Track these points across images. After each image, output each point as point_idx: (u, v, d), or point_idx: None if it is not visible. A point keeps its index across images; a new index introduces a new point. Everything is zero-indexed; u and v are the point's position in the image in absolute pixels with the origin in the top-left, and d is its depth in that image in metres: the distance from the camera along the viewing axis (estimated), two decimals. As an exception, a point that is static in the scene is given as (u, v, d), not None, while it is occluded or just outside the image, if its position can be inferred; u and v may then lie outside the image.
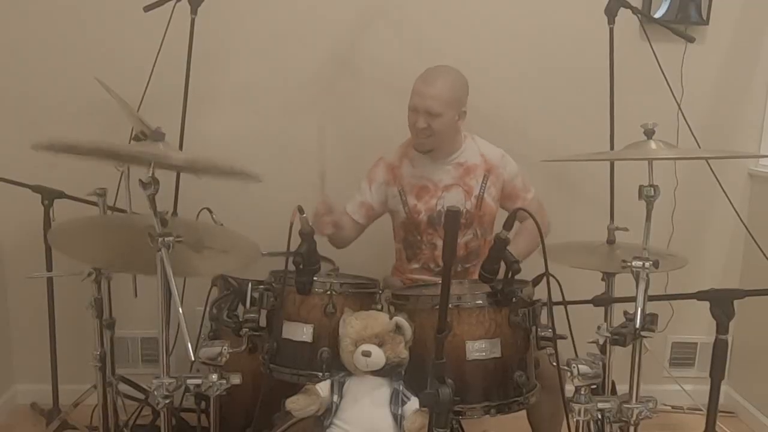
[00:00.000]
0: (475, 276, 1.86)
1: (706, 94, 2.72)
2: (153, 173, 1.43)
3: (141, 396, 2.42)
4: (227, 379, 1.59)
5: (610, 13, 2.25)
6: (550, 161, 2.52)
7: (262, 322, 1.78)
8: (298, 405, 1.61)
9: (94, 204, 2.19)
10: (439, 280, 1.40)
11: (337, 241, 2.19)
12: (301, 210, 1.71)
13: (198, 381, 1.57)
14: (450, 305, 1.44)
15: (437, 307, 1.37)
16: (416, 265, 2.29)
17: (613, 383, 2.18)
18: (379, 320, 1.65)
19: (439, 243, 2.18)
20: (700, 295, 1.64)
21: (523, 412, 1.99)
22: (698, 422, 2.63)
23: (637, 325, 1.52)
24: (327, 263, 2.19)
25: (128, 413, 2.37)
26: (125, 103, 2.11)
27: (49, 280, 2.40)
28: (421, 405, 1.53)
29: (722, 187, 2.38)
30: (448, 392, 1.33)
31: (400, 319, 1.63)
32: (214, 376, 1.58)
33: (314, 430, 1.65)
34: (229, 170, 1.55)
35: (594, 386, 1.57)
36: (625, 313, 1.58)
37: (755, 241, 2.33)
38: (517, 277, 1.63)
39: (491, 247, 1.66)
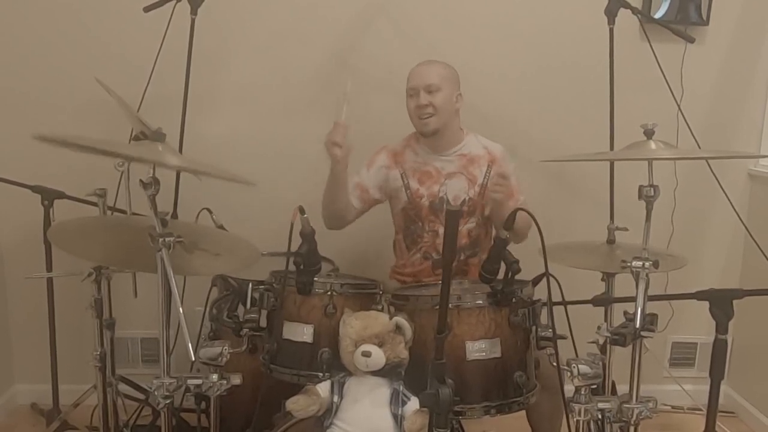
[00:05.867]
0: (476, 269, 1.87)
1: (706, 95, 2.72)
2: (154, 173, 1.43)
3: (141, 396, 2.41)
4: (227, 379, 1.59)
5: (610, 14, 2.25)
6: (550, 161, 2.52)
7: (263, 323, 1.79)
8: (298, 405, 1.61)
9: (94, 204, 2.19)
10: (438, 278, 1.40)
11: (335, 203, 2.16)
12: (301, 210, 1.71)
13: (198, 381, 1.57)
14: (450, 305, 1.44)
15: (437, 307, 1.37)
16: (417, 255, 2.28)
17: (613, 383, 2.18)
18: (379, 320, 1.65)
19: (441, 230, 2.18)
20: (699, 295, 1.64)
21: (523, 412, 1.99)
22: (698, 422, 2.64)
23: (637, 325, 1.52)
24: (327, 263, 2.19)
25: (128, 413, 2.36)
26: (125, 103, 2.11)
27: (49, 281, 2.40)
28: (421, 405, 1.53)
29: (722, 188, 2.38)
30: (448, 392, 1.33)
31: (400, 320, 1.64)
32: (215, 377, 1.58)
33: (314, 430, 1.64)
34: (227, 175, 1.54)
35: (594, 386, 1.57)
36: (625, 313, 1.58)
37: (755, 241, 2.33)
38: (516, 277, 1.63)
39: (491, 248, 1.67)
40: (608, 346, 1.79)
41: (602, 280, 2.13)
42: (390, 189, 2.27)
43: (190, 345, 1.38)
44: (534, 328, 1.69)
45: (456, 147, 2.24)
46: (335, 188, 2.13)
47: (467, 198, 2.22)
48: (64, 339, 2.48)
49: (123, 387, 2.35)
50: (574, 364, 1.55)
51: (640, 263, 1.57)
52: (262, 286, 1.79)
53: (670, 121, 2.46)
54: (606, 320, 2.08)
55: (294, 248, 1.70)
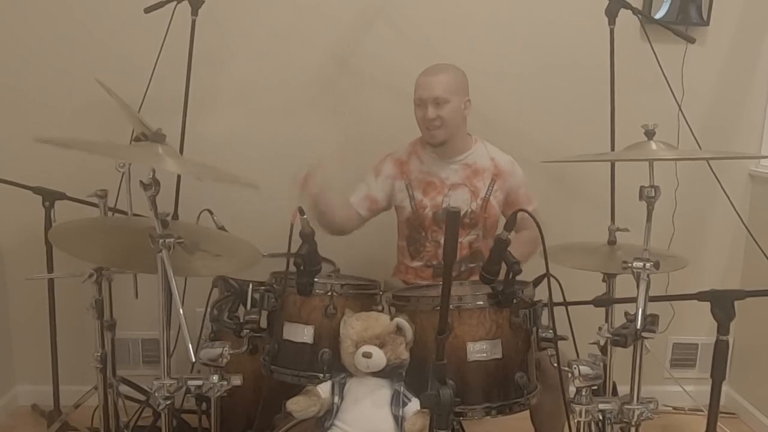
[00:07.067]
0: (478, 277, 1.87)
1: (706, 95, 2.72)
2: (154, 175, 1.43)
3: (142, 397, 2.42)
4: (228, 380, 1.60)
5: (611, 14, 2.25)
6: (551, 162, 2.52)
7: (263, 324, 1.78)
8: (299, 406, 1.61)
9: (95, 206, 2.19)
10: (439, 281, 1.40)
11: (328, 224, 2.15)
12: (302, 211, 1.71)
13: (199, 382, 1.57)
14: (451, 306, 1.44)
15: (438, 308, 1.37)
16: (419, 263, 2.28)
17: (614, 384, 2.18)
18: (379, 321, 1.65)
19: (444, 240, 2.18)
20: (700, 296, 1.64)
21: (524, 413, 1.99)
22: (699, 423, 2.63)
23: (638, 326, 1.52)
24: (328, 264, 2.19)
25: (129, 414, 2.37)
26: (125, 104, 2.11)
27: (50, 282, 2.40)
28: (422, 406, 1.53)
29: (723, 188, 2.37)
30: (449, 393, 1.33)
31: (401, 321, 1.63)
32: (215, 378, 1.58)
33: (315, 431, 1.64)
34: (230, 178, 1.54)
35: (595, 387, 1.57)
36: (626, 313, 1.58)
37: (756, 241, 2.33)
38: (517, 278, 1.63)
39: (492, 248, 1.66)
40: (609, 347, 1.79)
41: (603, 281, 2.13)
42: (395, 199, 2.28)
43: (190, 346, 1.38)
44: (535, 329, 1.69)
45: (462, 154, 2.25)
46: (322, 218, 2.12)
47: (469, 210, 2.22)
48: (65, 340, 2.48)
49: (124, 388, 2.35)
50: (575, 365, 1.55)
51: (641, 264, 1.56)
52: (263, 287, 1.79)
53: (670, 122, 2.46)
54: (607, 321, 2.09)
55: (294, 249, 1.70)
